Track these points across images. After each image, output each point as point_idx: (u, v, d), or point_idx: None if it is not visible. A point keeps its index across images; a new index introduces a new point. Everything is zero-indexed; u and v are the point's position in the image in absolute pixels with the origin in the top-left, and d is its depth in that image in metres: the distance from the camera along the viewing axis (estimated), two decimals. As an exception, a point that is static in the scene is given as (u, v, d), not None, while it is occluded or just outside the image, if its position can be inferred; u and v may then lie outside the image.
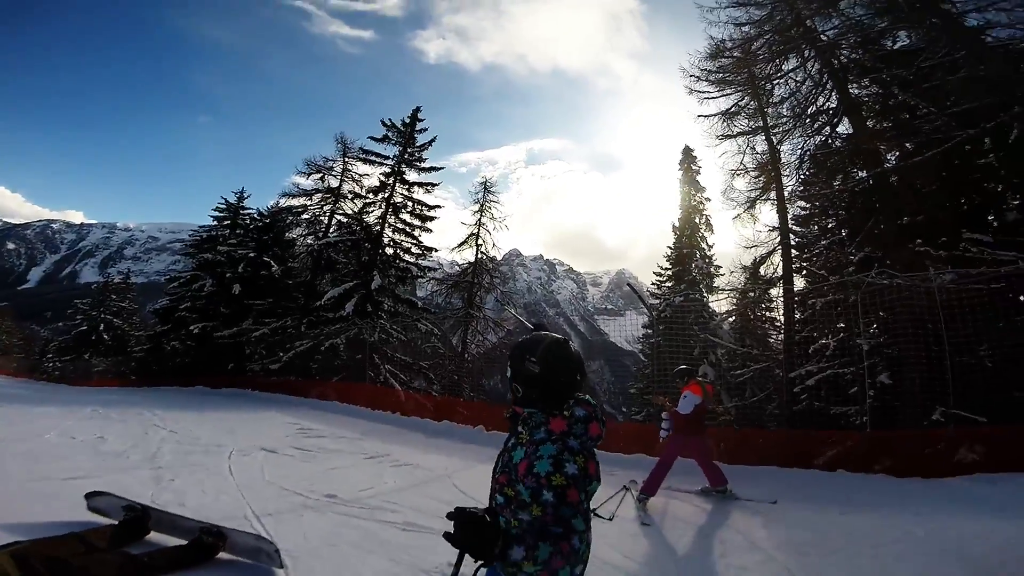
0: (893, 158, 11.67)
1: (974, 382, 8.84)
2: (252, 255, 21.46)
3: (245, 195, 25.55)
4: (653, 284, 22.89)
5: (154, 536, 3.42)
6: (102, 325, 31.49)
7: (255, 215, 24.49)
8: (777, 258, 14.89)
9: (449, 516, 1.35)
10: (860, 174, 11.80)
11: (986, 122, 9.34)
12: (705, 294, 19.92)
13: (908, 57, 11.26)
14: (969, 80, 9.77)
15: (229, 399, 15.65)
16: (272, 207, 23.72)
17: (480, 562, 1.41)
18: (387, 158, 22.07)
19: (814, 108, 13.46)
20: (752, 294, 17.32)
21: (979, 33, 10.56)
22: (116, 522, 3.45)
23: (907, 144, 11.04)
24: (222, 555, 3.26)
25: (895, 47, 12.14)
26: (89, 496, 3.75)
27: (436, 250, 22.50)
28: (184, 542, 3.29)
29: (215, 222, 25.31)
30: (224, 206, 25.29)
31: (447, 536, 1.34)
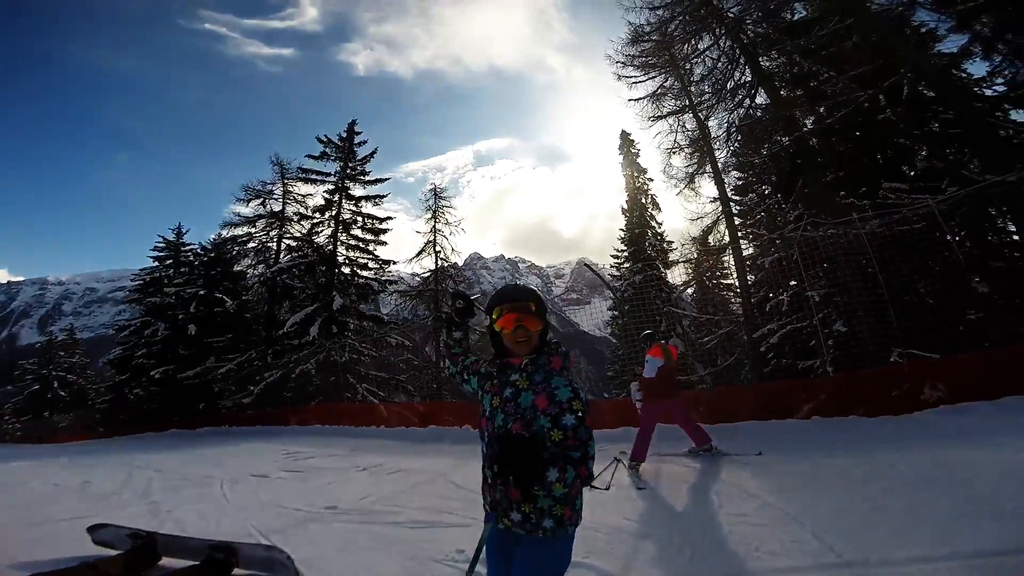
0: (810, 122, 12.61)
1: (920, 319, 9.72)
2: (203, 293, 20.79)
3: (184, 231, 24.67)
4: (612, 267, 23.57)
5: (165, 561, 3.42)
6: (55, 382, 30.07)
7: (198, 250, 23.63)
8: (723, 227, 15.68)
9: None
10: (783, 140, 12.65)
11: (881, 83, 10.31)
12: (662, 269, 20.69)
13: (807, 27, 12.22)
14: (860, 45, 10.72)
15: (208, 437, 15.20)
16: (215, 239, 22.96)
17: (488, 522, 1.63)
18: (328, 175, 21.84)
19: (732, 83, 14.31)
20: (705, 263, 18.15)
21: (863, 1, 11.58)
22: (125, 551, 3.44)
23: (820, 108, 11.99)
24: (237, 571, 3.27)
25: (794, 19, 13.12)
26: (92, 529, 3.72)
27: (394, 262, 22.30)
28: (196, 563, 3.28)
29: (156, 263, 24.29)
30: (163, 245, 24.33)
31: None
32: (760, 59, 13.53)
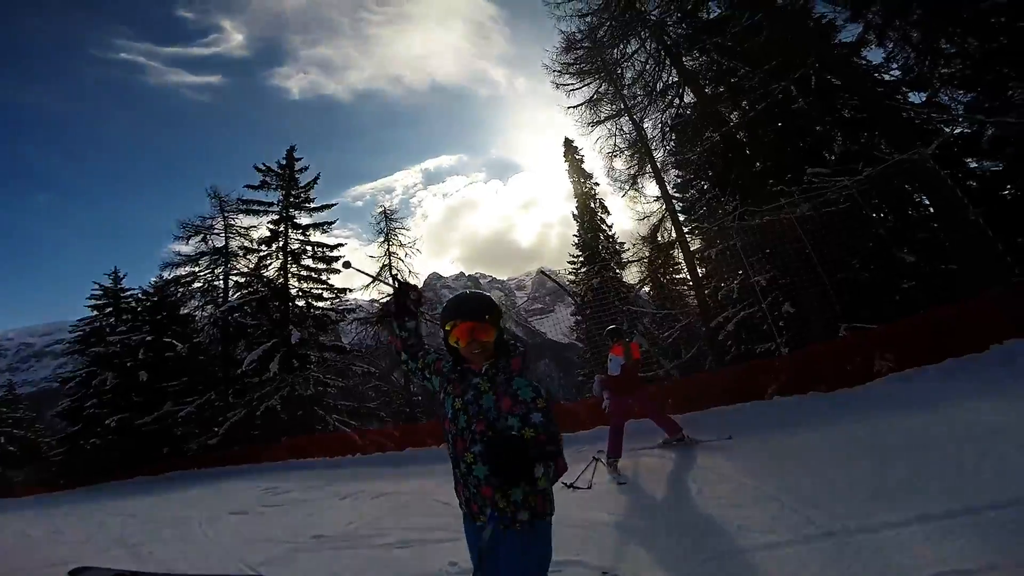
0: (735, 117, 13.37)
1: (858, 293, 10.39)
2: (150, 339, 19.82)
3: (121, 276, 23.36)
4: (570, 273, 23.96)
5: None
6: (2, 438, 28.06)
7: (140, 295, 22.45)
8: (669, 224, 16.31)
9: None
10: (713, 135, 13.33)
11: (792, 74, 11.09)
12: (617, 270, 21.21)
13: (722, 25, 12.99)
14: (770, 39, 11.48)
15: (177, 481, 14.48)
16: (156, 282, 21.89)
17: (490, 526, 1.60)
18: (271, 204, 21.16)
19: (661, 84, 15.01)
20: (657, 261, 18.76)
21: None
22: None
23: (742, 103, 12.75)
24: None
25: (710, 17, 13.90)
26: (74, 573, 3.65)
27: (350, 290, 21.88)
28: None
29: (95, 312, 22.87)
30: (101, 292, 22.98)
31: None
32: (684, 59, 14.24)
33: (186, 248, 21.43)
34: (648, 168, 15.63)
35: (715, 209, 14.53)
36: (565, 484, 5.16)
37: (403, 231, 22.64)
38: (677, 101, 14.77)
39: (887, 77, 11.60)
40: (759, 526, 3.39)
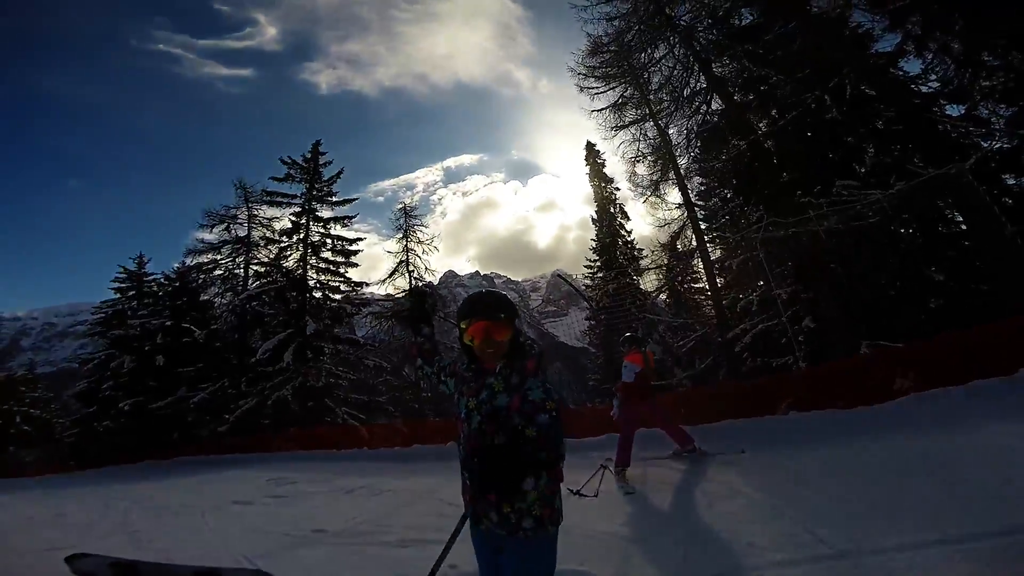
0: (763, 125, 13.11)
1: (883, 310, 10.08)
2: (169, 323, 20.15)
3: (146, 260, 23.93)
4: (586, 277, 23.83)
5: None
6: (18, 417, 28.72)
7: (162, 280, 22.89)
8: (689, 232, 16.04)
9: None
10: (739, 144, 13.09)
11: (826, 84, 10.83)
12: (634, 277, 21.02)
13: (754, 32, 12.75)
14: (804, 49, 11.24)
15: (185, 467, 14.71)
16: (179, 268, 22.18)
17: (467, 515, 1.70)
18: (294, 197, 21.37)
19: (688, 90, 14.80)
20: (675, 269, 18.52)
21: (804, 4, 12.16)
22: None
23: (771, 111, 12.49)
24: None
25: (741, 24, 13.67)
26: (71, 559, 3.65)
27: (367, 284, 21.99)
28: None
29: (118, 295, 23.42)
30: (124, 276, 23.54)
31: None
32: (713, 65, 14.04)
33: (210, 236, 21.75)
34: (671, 175, 15.42)
35: (738, 218, 14.28)
36: (571, 491, 5.12)
37: (422, 228, 22.69)
38: (704, 108, 14.56)
39: (924, 89, 11.27)
40: (769, 544, 3.28)
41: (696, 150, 14.98)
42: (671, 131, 15.38)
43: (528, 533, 1.63)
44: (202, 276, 21.90)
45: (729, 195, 15.34)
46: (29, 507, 7.82)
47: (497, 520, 1.66)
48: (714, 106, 14.44)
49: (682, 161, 15.32)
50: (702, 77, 14.36)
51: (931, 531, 2.97)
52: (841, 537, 3.15)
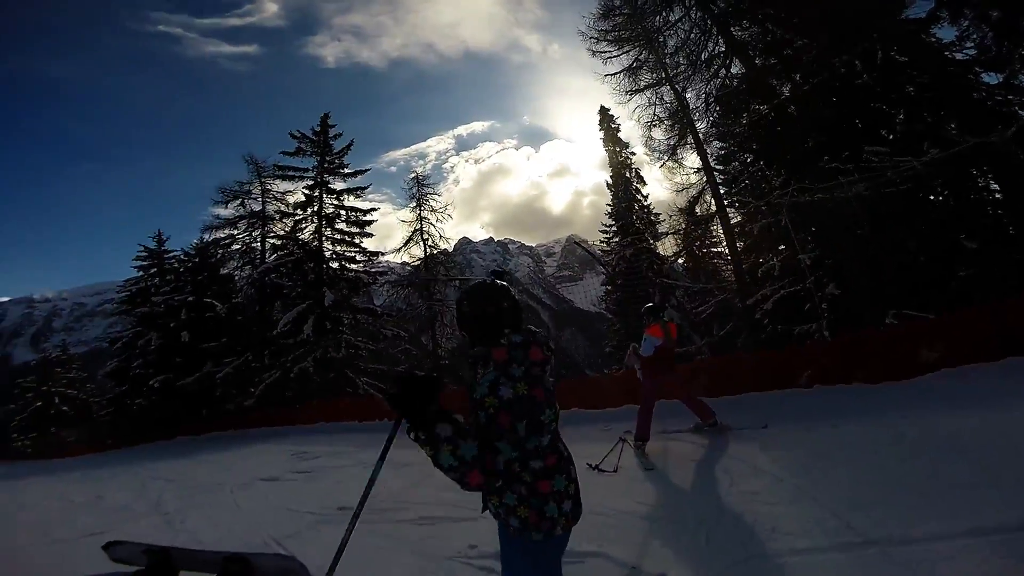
0: (787, 90, 12.55)
1: (912, 278, 9.77)
2: (191, 299, 20.57)
3: (165, 238, 24.21)
4: (602, 242, 23.59)
5: (182, 575, 3.54)
6: (56, 398, 29.89)
7: (182, 256, 23.29)
8: (708, 196, 15.73)
9: (395, 379, 1.54)
10: (762, 108, 12.59)
11: (853, 48, 10.24)
12: (651, 241, 20.75)
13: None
14: (828, 12, 10.60)
15: (215, 442, 15.22)
16: (197, 244, 22.63)
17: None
18: (306, 170, 21.52)
19: (707, 54, 14.16)
20: (694, 233, 18.22)
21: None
22: (143, 567, 3.59)
23: (795, 76, 11.92)
24: None
25: None
26: (108, 547, 3.81)
27: (383, 253, 22.29)
28: (212, 575, 3.45)
29: (140, 273, 23.84)
30: (145, 254, 23.91)
31: (388, 398, 1.52)
32: (732, 28, 13.39)
33: (225, 212, 22.20)
34: (689, 139, 14.98)
35: (759, 183, 13.87)
36: (590, 465, 5.12)
37: (435, 196, 22.72)
38: (723, 72, 13.95)
39: (959, 56, 10.61)
40: (794, 529, 3.19)
41: (715, 114, 14.48)
42: (688, 95, 14.90)
43: (514, 530, 1.61)
44: (220, 251, 22.31)
45: (750, 159, 14.87)
46: (70, 489, 8.19)
47: (492, 511, 1.68)
48: (734, 70, 13.85)
49: (700, 125, 14.90)
50: (720, 40, 13.73)
51: (964, 519, 2.84)
52: (869, 522, 3.04)
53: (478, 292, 1.74)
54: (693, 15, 14.08)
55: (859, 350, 7.32)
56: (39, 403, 30.32)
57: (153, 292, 22.40)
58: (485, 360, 1.64)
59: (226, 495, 6.33)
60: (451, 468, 1.46)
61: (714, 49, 14.06)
